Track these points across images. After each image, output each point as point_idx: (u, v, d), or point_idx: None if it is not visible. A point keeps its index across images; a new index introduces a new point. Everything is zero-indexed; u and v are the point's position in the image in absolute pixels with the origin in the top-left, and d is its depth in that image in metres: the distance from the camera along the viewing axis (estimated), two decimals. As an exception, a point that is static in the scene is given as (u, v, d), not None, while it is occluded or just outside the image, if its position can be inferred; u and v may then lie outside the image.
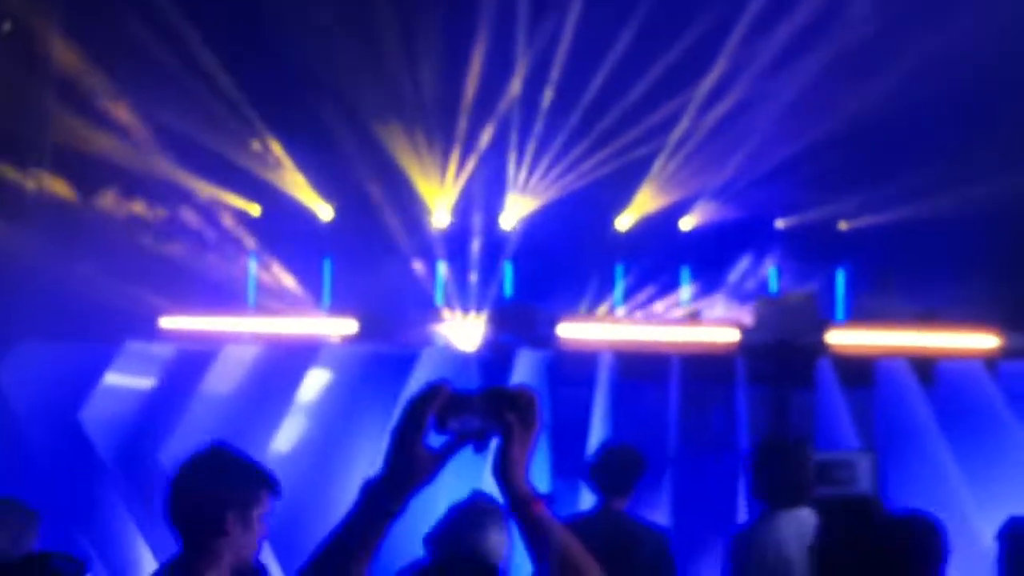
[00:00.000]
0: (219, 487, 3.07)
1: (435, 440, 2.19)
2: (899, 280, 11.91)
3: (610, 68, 14.57)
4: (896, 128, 13.54)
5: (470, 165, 15.20)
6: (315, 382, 9.01)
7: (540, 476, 8.36)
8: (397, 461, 2.17)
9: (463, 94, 14.70)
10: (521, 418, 2.21)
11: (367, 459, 7.49)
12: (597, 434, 8.06)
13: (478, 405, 2.24)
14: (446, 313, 13.52)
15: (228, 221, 14.98)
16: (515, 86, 14.63)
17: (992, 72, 12.83)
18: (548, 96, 14.70)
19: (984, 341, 9.61)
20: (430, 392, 2.19)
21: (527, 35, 14.42)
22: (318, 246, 14.85)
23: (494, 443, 2.23)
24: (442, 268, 14.93)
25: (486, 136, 14.94)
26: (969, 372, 9.05)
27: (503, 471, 2.20)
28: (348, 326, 10.82)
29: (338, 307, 13.24)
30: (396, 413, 2.20)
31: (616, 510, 5.20)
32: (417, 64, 14.33)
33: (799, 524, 4.82)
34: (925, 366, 8.99)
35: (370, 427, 7.71)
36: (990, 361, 9.26)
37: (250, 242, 14.85)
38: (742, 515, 7.96)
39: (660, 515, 7.25)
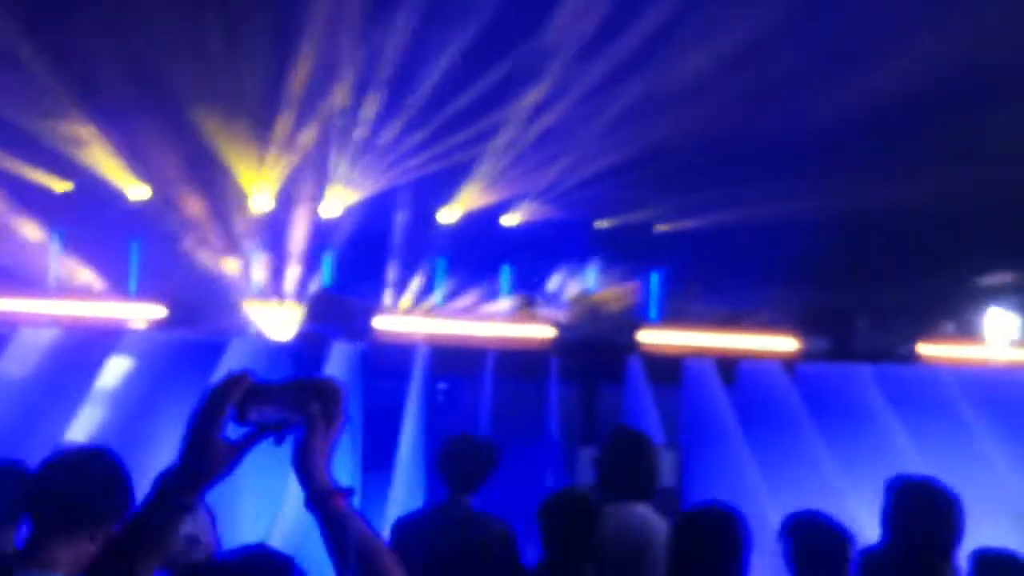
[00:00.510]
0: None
1: (235, 431, 2.12)
2: (706, 283, 12.34)
3: (443, 71, 14.59)
4: (710, 139, 14.04)
5: (294, 154, 14.93)
6: (117, 369, 8.65)
7: (349, 469, 8.31)
8: (192, 452, 2.09)
9: (288, 85, 14.43)
10: (325, 410, 2.16)
11: (169, 451, 7.23)
12: (410, 428, 8.03)
13: (281, 396, 2.18)
14: (261, 301, 13.23)
15: (30, 198, 14.26)
16: (345, 82, 14.46)
17: (800, 95, 13.48)
18: (378, 94, 14.60)
19: (784, 344, 10.06)
20: (230, 382, 2.12)
21: (359, 33, 14.27)
22: (126, 228, 14.28)
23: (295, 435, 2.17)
24: (258, 256, 14.59)
25: (310, 127, 14.70)
26: (769, 373, 9.45)
27: (303, 463, 2.15)
28: (156, 312, 10.42)
29: (145, 292, 12.78)
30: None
31: (464, 504, 5.10)
32: (242, 53, 13.98)
33: (630, 518, 4.88)
34: (728, 366, 9.33)
35: (174, 417, 7.45)
36: (789, 363, 9.69)
37: (53, 221, 14.16)
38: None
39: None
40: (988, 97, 12.63)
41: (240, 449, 2.13)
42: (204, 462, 2.08)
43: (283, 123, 14.66)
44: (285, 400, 2.19)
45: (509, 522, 5.16)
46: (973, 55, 12.27)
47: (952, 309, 12.27)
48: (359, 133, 14.86)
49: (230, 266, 14.28)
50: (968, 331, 11.59)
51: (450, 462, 5.20)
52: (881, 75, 12.93)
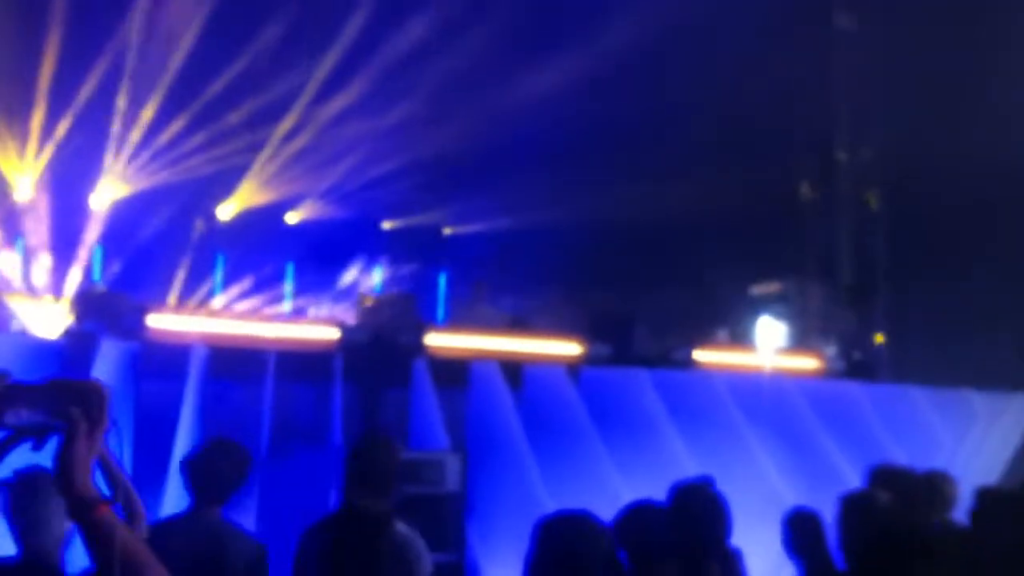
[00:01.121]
0: None
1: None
2: (492, 286, 12.43)
3: (233, 71, 14.21)
4: (500, 145, 14.21)
5: (54, 143, 14.11)
6: None
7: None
8: (-63, 459, 1.88)
9: (40, 74, 13.71)
10: (88, 413, 2.00)
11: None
12: (185, 431, 7.68)
13: (40, 398, 2.02)
14: (24, 296, 12.42)
15: None
16: (126, 81, 13.86)
17: (586, 104, 13.86)
18: (159, 93, 14.08)
19: (568, 348, 10.22)
20: (-18, 383, 1.93)
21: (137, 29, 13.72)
22: None
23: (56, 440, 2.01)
24: (18, 246, 13.72)
25: (68, 118, 13.94)
26: (553, 377, 9.58)
27: (63, 470, 1.99)
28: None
29: None
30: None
31: (211, 514, 4.72)
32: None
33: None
34: (514, 370, 9.40)
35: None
36: (572, 367, 9.85)
37: None
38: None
39: (247, 515, 7.02)
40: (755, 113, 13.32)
41: (-5, 455, 1.94)
42: (-50, 471, 1.88)
43: (40, 113, 13.88)
44: (45, 402, 2.03)
45: (269, 539, 4.93)
46: (742, 74, 12.94)
47: (726, 316, 12.82)
48: (136, 131, 14.24)
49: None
50: (740, 338, 12.12)
51: (198, 469, 4.79)
52: (650, 92, 13.49)
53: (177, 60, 13.98)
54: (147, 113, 14.24)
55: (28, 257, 13.47)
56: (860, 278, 14.51)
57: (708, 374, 10.52)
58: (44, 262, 13.65)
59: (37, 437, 2.02)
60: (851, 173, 14.83)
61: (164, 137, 14.58)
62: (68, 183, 14.29)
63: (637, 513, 4.39)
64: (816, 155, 14.88)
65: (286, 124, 14.98)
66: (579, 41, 13.71)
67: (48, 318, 10.44)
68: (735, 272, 13.37)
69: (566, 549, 3.49)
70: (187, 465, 4.81)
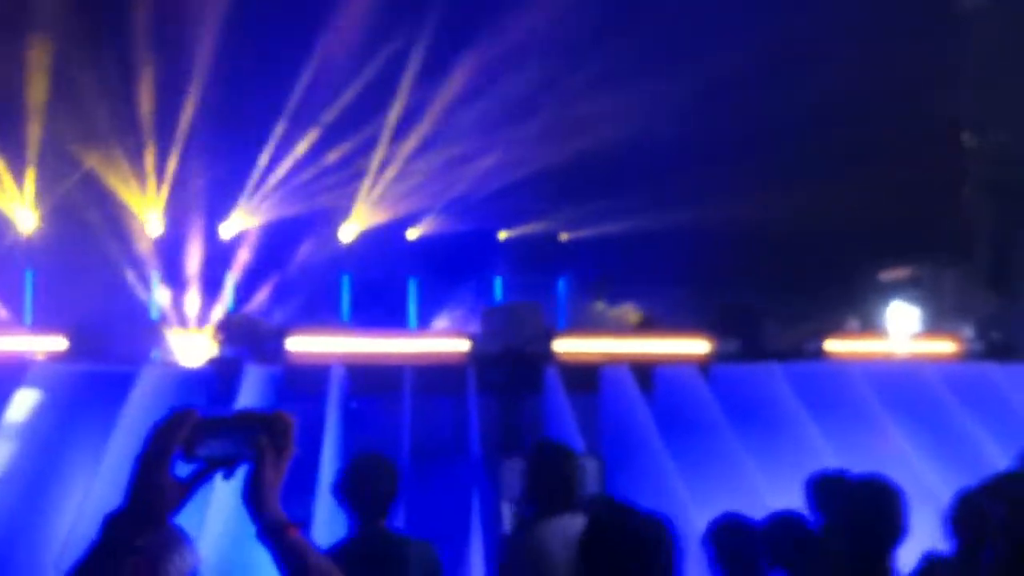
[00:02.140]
0: None
1: (182, 468, 2.05)
2: (616, 289, 12.45)
3: (353, 94, 14.57)
4: (616, 149, 14.24)
5: (175, 177, 14.66)
6: (24, 403, 8.34)
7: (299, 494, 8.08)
8: (141, 492, 2.01)
9: (178, 111, 14.26)
10: (274, 442, 2.11)
11: (83, 485, 7.01)
12: (330, 450, 7.90)
13: (229, 430, 2.13)
14: (165, 328, 12.93)
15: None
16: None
17: (705, 107, 13.79)
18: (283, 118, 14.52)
19: (697, 346, 10.17)
20: (177, 418, 2.05)
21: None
22: (19, 258, 13.87)
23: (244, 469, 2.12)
24: (156, 280, 14.28)
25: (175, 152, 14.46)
26: (684, 377, 9.55)
27: (254, 496, 2.09)
28: (56, 343, 10.07)
29: (42, 322, 12.39)
30: (119, 437, 2.05)
31: (379, 529, 4.78)
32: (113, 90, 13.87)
33: (565, 529, 4.83)
34: (644, 372, 9.40)
35: (86, 451, 7.23)
36: (703, 365, 9.81)
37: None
38: (476, 523, 8.04)
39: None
40: (877, 107, 13.10)
41: (190, 486, 2.06)
42: (153, 501, 2.01)
43: (175, 146, 14.44)
44: (232, 434, 2.14)
45: (433, 541, 5.04)
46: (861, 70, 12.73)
47: (855, 305, 12.60)
48: (263, 160, 14.70)
49: (128, 292, 13.95)
50: (872, 326, 11.90)
51: (355, 488, 4.84)
52: (770, 94, 13.34)
53: (301, 88, 14.38)
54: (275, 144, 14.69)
55: (174, 290, 14.01)
56: (997, 258, 14.09)
57: (842, 364, 10.35)
58: (190, 295, 14.18)
59: (227, 467, 2.13)
60: (985, 155, 14.42)
61: (288, 165, 15.00)
62: (196, 218, 14.81)
63: (786, 522, 4.34)
64: (947, 139, 14.50)
65: (410, 143, 15.25)
66: (699, 45, 13.66)
67: (194, 348, 10.84)
68: (863, 260, 13.13)
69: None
70: (344, 486, 4.88)
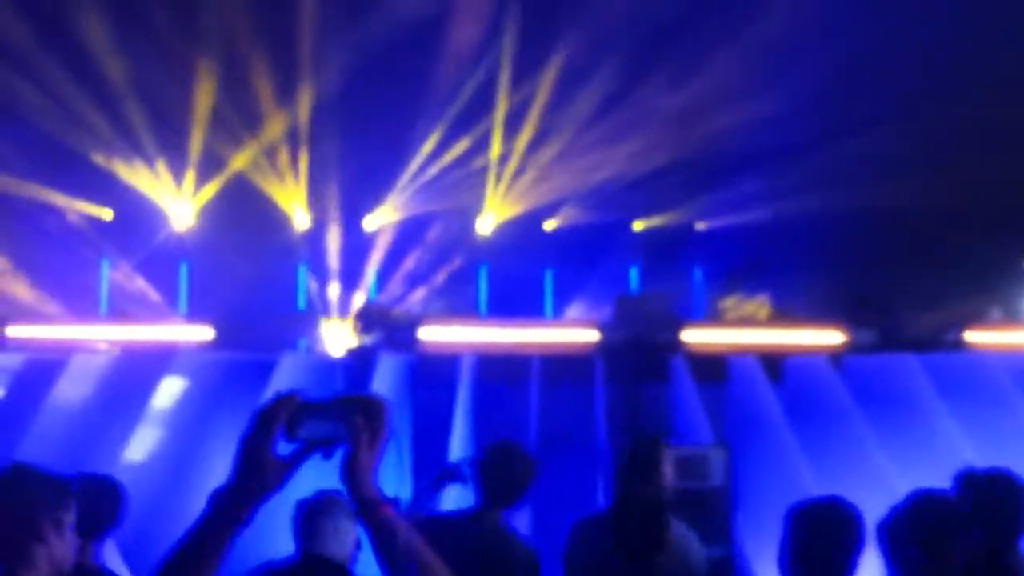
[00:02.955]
0: (30, 496, 3.06)
1: (284, 448, 2.19)
2: (750, 279, 12.30)
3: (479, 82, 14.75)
4: (746, 137, 14.04)
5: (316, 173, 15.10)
6: (170, 390, 8.80)
7: (401, 480, 8.32)
8: (245, 470, 2.17)
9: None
10: (370, 424, 2.23)
11: (224, 469, 7.33)
12: (459, 436, 8.10)
13: (327, 413, 2.26)
14: (311, 317, 13.39)
15: (79, 225, 14.57)
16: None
17: (834, 94, 13.48)
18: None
19: (830, 337, 9.99)
20: (279, 401, 2.20)
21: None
22: (175, 250, 14.54)
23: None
24: (303, 272, 14.76)
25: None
26: (815, 368, 9.41)
27: (351, 476, 2.21)
28: (204, 332, 10.56)
29: (195, 313, 12.97)
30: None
31: (494, 517, 4.71)
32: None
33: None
34: (774, 362, 9.30)
35: (228, 436, 7.56)
36: (835, 357, 9.63)
37: (102, 247, 14.45)
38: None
39: (520, 518, 7.31)
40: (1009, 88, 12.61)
41: (291, 465, 2.19)
42: (257, 479, 2.16)
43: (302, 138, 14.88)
44: (332, 416, 2.26)
45: (541, 542, 4.99)
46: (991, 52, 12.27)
47: (997, 294, 12.14)
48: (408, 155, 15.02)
49: (277, 283, 14.47)
50: (1015, 316, 11.46)
51: (487, 472, 4.79)
52: (905, 75, 12.95)
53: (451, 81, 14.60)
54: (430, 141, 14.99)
55: (320, 281, 14.47)
56: None
57: (982, 355, 10.01)
58: (333, 286, 14.63)
59: (326, 448, 2.26)
60: None
61: (426, 159, 15.28)
62: (340, 211, 15.23)
63: (926, 501, 4.25)
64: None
65: (531, 133, 15.35)
66: (829, 33, 13.37)
67: (336, 337, 11.20)
68: (1005, 248, 12.64)
69: (816, 536, 3.52)
70: (481, 465, 4.81)
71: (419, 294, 14.68)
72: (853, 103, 13.52)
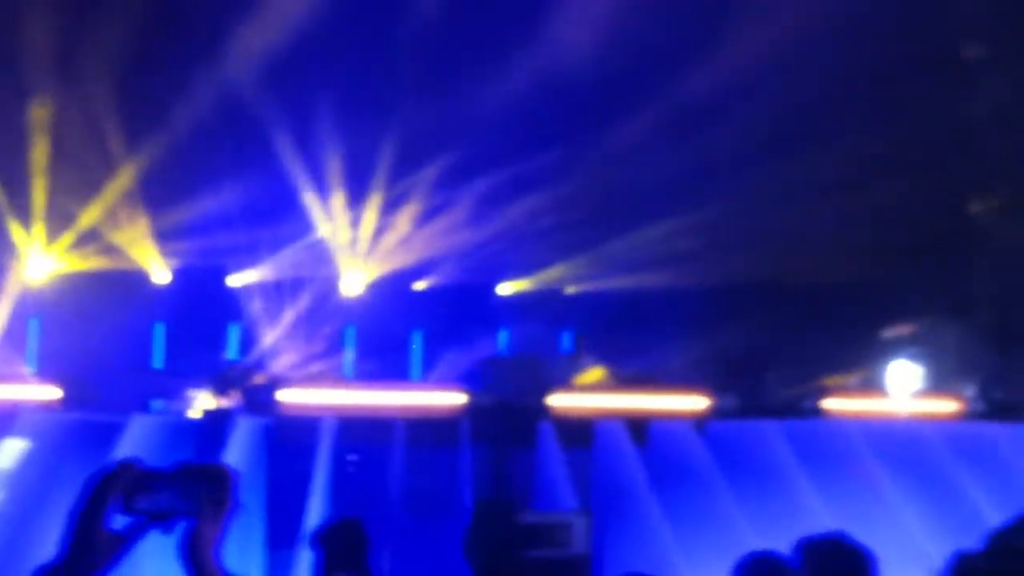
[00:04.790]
0: None
1: (119, 521, 2.03)
2: (618, 343, 12.40)
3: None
4: (619, 201, 14.26)
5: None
6: (12, 451, 8.33)
7: (253, 548, 8.07)
8: (75, 545, 1.99)
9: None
10: (214, 496, 2.09)
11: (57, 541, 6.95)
12: (318, 502, 7.86)
13: (169, 483, 2.11)
14: (167, 377, 12.95)
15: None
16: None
17: (704, 169, 13.85)
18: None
19: (694, 402, 10.10)
20: (115, 470, 2.04)
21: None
22: (25, 306, 13.94)
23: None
24: (160, 330, 14.30)
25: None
26: (679, 432, 9.49)
27: (191, 552, 2.07)
28: (51, 392, 10.05)
29: (45, 371, 12.41)
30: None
31: None
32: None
33: None
34: (639, 427, 9.34)
35: (71, 499, 7.19)
36: (699, 421, 9.74)
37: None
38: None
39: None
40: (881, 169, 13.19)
41: (126, 540, 2.04)
42: (86, 556, 1.99)
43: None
44: (173, 487, 2.11)
45: None
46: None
47: (857, 363, 12.53)
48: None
49: (132, 341, 13.98)
50: (872, 384, 11.82)
51: (326, 544, 4.89)
52: (770, 157, 13.44)
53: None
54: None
55: (178, 339, 14.02)
56: (1000, 314, 14.01)
57: (841, 423, 10.27)
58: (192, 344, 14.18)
59: (166, 521, 2.10)
60: (988, 205, 14.40)
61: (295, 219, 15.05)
62: (204, 268, 14.87)
63: (760, 564, 4.27)
64: (947, 190, 14.47)
65: (400, 193, 15.30)
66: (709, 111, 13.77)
67: (190, 397, 10.80)
68: (865, 319, 13.09)
69: None
70: (316, 539, 4.90)
71: (284, 358, 14.35)
72: (722, 179, 13.90)
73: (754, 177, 13.80)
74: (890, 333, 12.86)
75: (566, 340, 15.66)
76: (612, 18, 13.49)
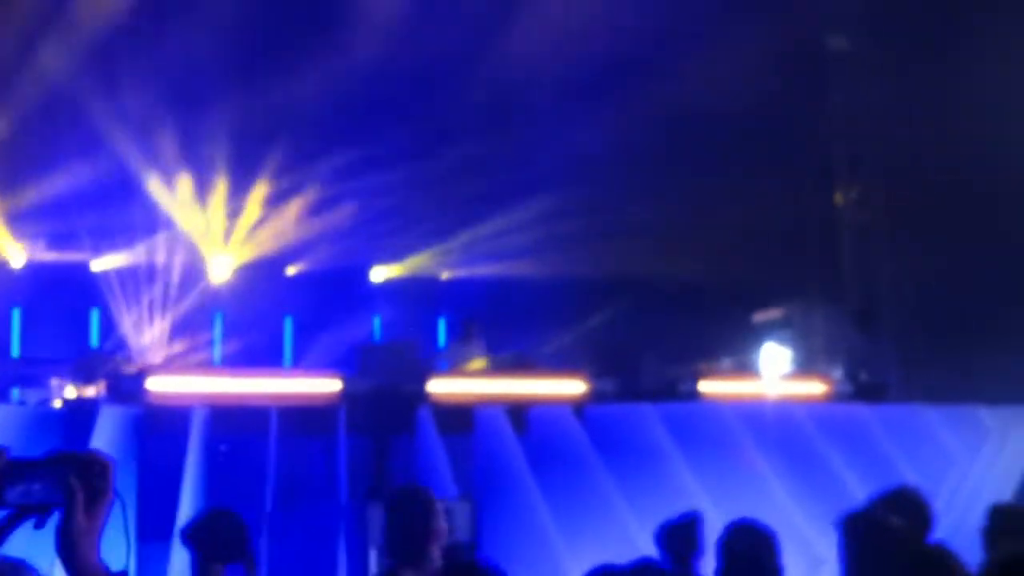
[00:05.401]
0: None
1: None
2: (495, 329, 12.36)
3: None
4: (498, 187, 14.22)
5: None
6: None
7: (124, 542, 7.70)
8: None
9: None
10: (89, 486, 1.94)
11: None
12: (189, 493, 7.58)
13: (40, 473, 1.96)
14: (24, 365, 12.38)
15: None
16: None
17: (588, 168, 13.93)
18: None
19: (572, 387, 10.13)
20: (-19, 461, 1.87)
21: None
22: None
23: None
24: (16, 315, 13.69)
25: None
26: (558, 417, 9.50)
27: (67, 546, 1.92)
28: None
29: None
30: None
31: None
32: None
33: None
34: (518, 413, 9.31)
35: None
36: (578, 406, 9.77)
37: None
38: (342, 571, 7.80)
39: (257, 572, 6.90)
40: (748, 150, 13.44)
41: (-2, 534, 1.89)
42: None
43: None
44: (44, 477, 1.96)
45: None
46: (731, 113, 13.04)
47: (731, 346, 12.76)
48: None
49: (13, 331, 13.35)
50: (745, 367, 12.05)
51: (198, 536, 4.70)
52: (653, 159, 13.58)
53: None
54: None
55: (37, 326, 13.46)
56: (865, 298, 14.45)
57: (715, 405, 10.44)
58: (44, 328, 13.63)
59: (39, 514, 1.96)
60: (852, 194, 14.83)
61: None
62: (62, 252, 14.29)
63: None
64: (814, 179, 14.86)
65: (272, 177, 14.95)
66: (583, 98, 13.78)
67: (54, 386, 10.33)
68: (736, 301, 13.35)
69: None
70: (186, 533, 4.68)
71: (150, 345, 13.87)
72: (607, 174, 14.00)
73: (628, 168, 13.96)
74: (761, 317, 13.14)
75: (442, 325, 15.56)
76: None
